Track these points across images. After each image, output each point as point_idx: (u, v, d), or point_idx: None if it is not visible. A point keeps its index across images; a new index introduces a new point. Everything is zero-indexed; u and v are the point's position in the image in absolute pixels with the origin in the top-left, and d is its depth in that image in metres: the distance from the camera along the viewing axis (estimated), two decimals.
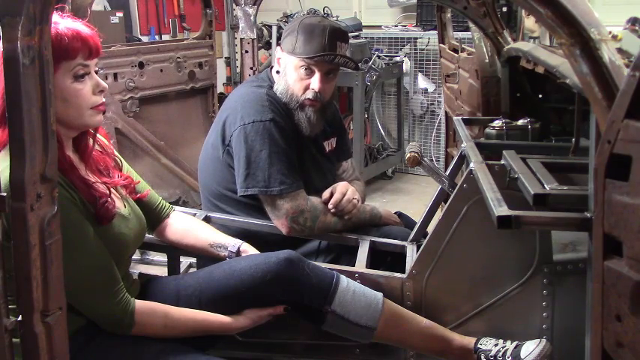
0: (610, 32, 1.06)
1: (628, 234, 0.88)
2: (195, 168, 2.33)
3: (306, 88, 1.91)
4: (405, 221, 2.15)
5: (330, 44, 1.86)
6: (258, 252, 1.68)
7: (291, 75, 1.91)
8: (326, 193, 1.92)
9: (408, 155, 1.90)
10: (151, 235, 1.76)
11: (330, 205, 1.89)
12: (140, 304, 1.40)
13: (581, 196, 1.13)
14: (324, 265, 1.67)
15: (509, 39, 2.40)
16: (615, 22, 2.30)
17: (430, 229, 1.80)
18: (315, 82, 1.90)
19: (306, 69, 1.89)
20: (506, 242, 1.64)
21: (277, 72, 1.98)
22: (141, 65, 3.28)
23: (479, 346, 1.60)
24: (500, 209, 1.21)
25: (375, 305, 1.59)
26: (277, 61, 1.98)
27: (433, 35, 4.42)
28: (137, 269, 1.93)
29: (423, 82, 4.97)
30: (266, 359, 1.79)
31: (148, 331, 1.40)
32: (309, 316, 1.58)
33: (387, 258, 1.92)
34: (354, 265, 1.76)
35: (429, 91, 4.99)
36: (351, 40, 4.48)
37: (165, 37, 5.63)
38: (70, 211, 1.26)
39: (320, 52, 1.85)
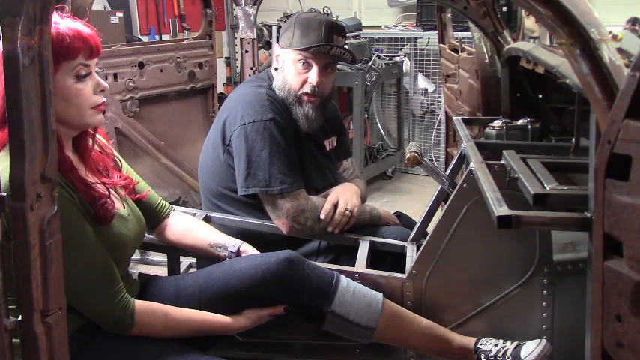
0: (610, 32, 1.06)
1: (628, 234, 0.88)
2: (195, 168, 2.32)
3: (304, 82, 1.90)
4: (405, 221, 2.15)
5: (326, 37, 1.87)
6: (258, 252, 1.68)
7: (289, 70, 1.91)
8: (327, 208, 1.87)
9: (408, 155, 1.90)
10: (151, 235, 1.76)
11: (321, 216, 1.86)
12: (140, 304, 1.40)
13: (581, 196, 1.13)
14: (324, 265, 1.67)
15: (509, 39, 2.40)
16: (615, 22, 2.30)
17: (430, 229, 1.80)
18: (313, 75, 1.89)
19: (303, 62, 1.89)
20: (506, 242, 1.64)
21: (275, 69, 1.97)
22: (141, 65, 3.28)
23: (479, 346, 1.60)
24: (500, 209, 1.20)
25: (375, 305, 1.59)
26: (275, 59, 1.99)
27: (433, 35, 4.42)
28: (137, 269, 1.94)
29: (423, 82, 4.97)
30: (266, 359, 1.79)
31: (148, 331, 1.40)
32: (309, 316, 1.58)
33: (387, 258, 1.92)
34: (354, 265, 1.76)
35: (429, 91, 4.99)
36: (351, 40, 4.49)
37: (165, 37, 5.63)
38: (69, 211, 1.26)
39: (316, 44, 1.85)
